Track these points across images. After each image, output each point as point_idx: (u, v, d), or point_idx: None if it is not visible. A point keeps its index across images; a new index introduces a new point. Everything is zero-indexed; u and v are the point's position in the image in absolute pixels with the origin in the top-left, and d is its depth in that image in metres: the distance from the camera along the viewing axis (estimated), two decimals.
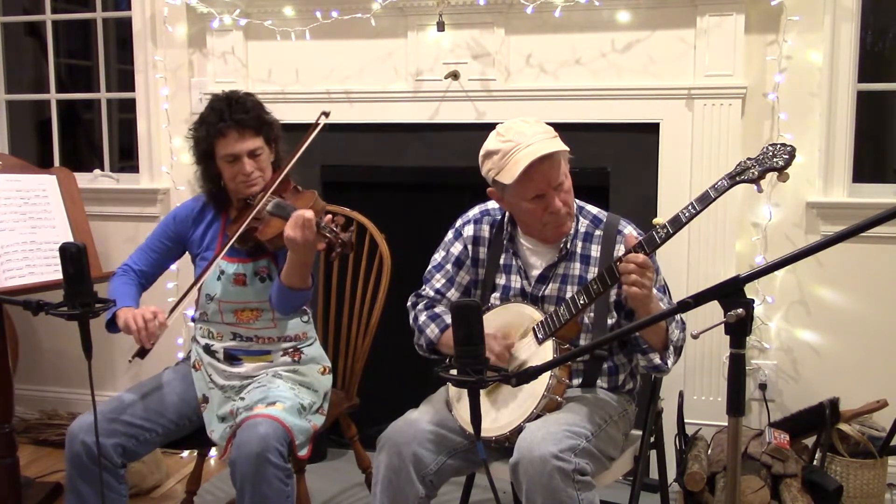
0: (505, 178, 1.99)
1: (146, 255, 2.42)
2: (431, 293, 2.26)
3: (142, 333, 2.14)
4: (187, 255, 2.47)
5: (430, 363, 2.05)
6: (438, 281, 2.25)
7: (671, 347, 2.03)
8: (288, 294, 2.23)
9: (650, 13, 2.88)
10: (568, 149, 2.03)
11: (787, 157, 1.83)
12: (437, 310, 2.23)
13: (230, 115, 2.24)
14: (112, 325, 2.24)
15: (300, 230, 2.08)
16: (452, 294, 2.25)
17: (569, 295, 2.06)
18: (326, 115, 2.37)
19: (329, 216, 2.15)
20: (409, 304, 2.30)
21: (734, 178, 1.87)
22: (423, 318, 2.22)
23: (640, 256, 1.88)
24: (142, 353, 2.19)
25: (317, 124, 2.34)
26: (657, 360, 2.02)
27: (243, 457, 2.02)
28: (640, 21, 2.89)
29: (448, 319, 2.14)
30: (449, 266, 2.25)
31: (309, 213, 2.09)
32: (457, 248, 2.25)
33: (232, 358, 2.34)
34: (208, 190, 2.37)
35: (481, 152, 2.08)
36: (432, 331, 2.19)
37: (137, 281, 2.40)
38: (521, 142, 1.98)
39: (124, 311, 2.21)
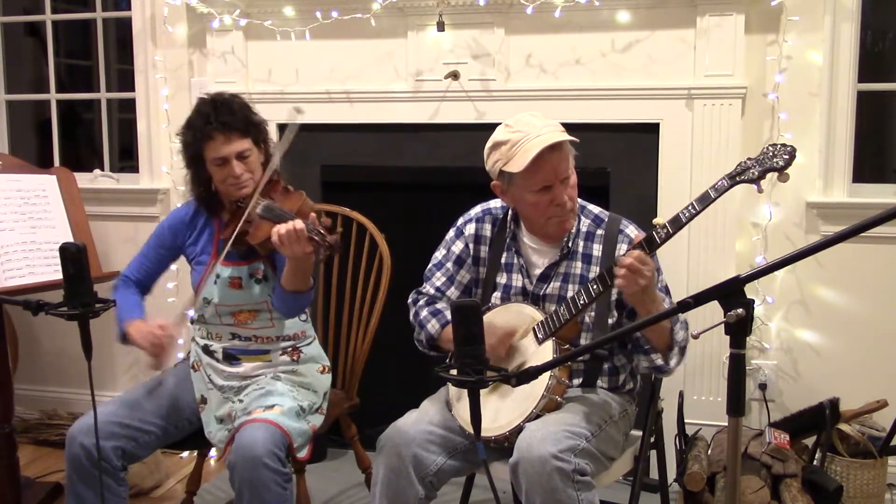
0: (513, 167, 1.99)
1: (142, 265, 2.43)
2: (432, 291, 2.26)
3: (155, 350, 2.16)
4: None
5: (430, 363, 2.05)
6: (439, 279, 2.25)
7: (676, 348, 2.03)
8: (291, 298, 2.22)
9: (650, 13, 2.88)
10: (577, 140, 2.03)
11: (787, 157, 1.83)
12: (438, 305, 2.23)
13: (216, 118, 2.21)
14: (126, 339, 2.27)
15: (294, 245, 2.07)
16: (452, 293, 2.24)
17: (570, 294, 2.06)
18: (299, 111, 2.37)
19: (313, 215, 2.13)
20: (409, 300, 2.30)
21: (734, 179, 1.86)
22: (424, 313, 2.22)
23: (635, 253, 1.87)
24: (158, 366, 2.22)
25: (287, 124, 2.29)
26: (659, 361, 2.02)
27: (241, 462, 2.02)
28: (640, 21, 2.89)
29: (449, 315, 2.14)
30: (449, 264, 2.25)
31: (299, 224, 2.07)
32: (458, 247, 2.25)
33: (231, 358, 2.34)
34: (199, 194, 2.35)
35: (488, 144, 2.07)
36: (433, 326, 2.19)
37: (138, 290, 2.42)
38: (530, 132, 1.99)
39: (136, 327, 2.23)
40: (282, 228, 2.08)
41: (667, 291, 2.11)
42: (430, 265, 2.29)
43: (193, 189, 2.36)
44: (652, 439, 2.24)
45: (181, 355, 3.27)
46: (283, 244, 2.08)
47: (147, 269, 2.43)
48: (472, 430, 1.48)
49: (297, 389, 2.30)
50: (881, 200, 2.86)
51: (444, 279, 2.25)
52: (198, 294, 2.33)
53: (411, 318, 2.27)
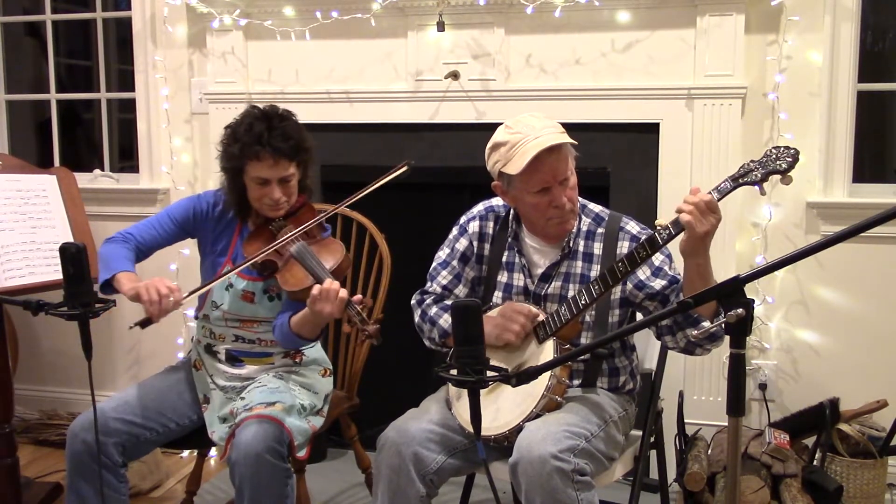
0: (511, 168, 1.99)
1: (152, 230, 2.34)
2: (438, 290, 2.24)
3: (154, 307, 2.07)
4: (192, 253, 2.44)
5: (430, 363, 2.05)
6: (445, 278, 2.24)
7: (722, 313, 1.95)
8: (293, 338, 2.21)
9: (650, 13, 2.88)
10: (576, 142, 2.03)
11: (790, 160, 1.82)
12: (448, 302, 2.22)
13: (269, 141, 2.15)
14: (108, 287, 2.17)
15: (329, 305, 2.03)
16: (460, 290, 2.24)
17: (571, 293, 2.06)
18: (410, 165, 2.24)
19: (358, 296, 2.08)
20: (413, 302, 2.29)
21: (737, 181, 1.86)
22: (434, 310, 2.21)
23: (707, 196, 1.81)
24: (145, 323, 2.09)
25: (397, 169, 2.23)
26: (713, 329, 1.89)
27: (242, 457, 2.01)
28: (640, 21, 2.89)
29: None
30: (455, 262, 2.24)
31: (343, 293, 2.03)
32: (462, 244, 2.25)
33: (233, 359, 2.33)
34: (231, 201, 2.29)
35: (489, 145, 2.07)
36: (446, 321, 2.17)
37: (135, 252, 2.32)
38: (529, 133, 1.99)
39: (130, 278, 2.13)
40: (321, 292, 2.03)
41: (678, 282, 2.06)
42: (434, 265, 2.28)
43: (228, 195, 2.30)
44: (652, 439, 2.24)
45: (181, 355, 3.27)
46: (317, 304, 2.05)
47: (153, 236, 2.33)
48: (472, 430, 1.48)
49: (298, 389, 2.30)
50: (881, 200, 2.86)
51: (451, 277, 2.24)
52: (207, 297, 2.33)
53: (417, 318, 2.26)
